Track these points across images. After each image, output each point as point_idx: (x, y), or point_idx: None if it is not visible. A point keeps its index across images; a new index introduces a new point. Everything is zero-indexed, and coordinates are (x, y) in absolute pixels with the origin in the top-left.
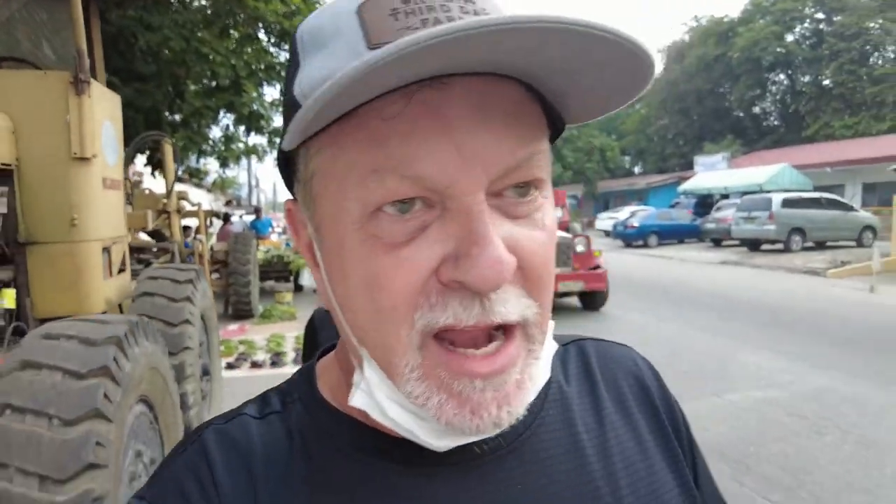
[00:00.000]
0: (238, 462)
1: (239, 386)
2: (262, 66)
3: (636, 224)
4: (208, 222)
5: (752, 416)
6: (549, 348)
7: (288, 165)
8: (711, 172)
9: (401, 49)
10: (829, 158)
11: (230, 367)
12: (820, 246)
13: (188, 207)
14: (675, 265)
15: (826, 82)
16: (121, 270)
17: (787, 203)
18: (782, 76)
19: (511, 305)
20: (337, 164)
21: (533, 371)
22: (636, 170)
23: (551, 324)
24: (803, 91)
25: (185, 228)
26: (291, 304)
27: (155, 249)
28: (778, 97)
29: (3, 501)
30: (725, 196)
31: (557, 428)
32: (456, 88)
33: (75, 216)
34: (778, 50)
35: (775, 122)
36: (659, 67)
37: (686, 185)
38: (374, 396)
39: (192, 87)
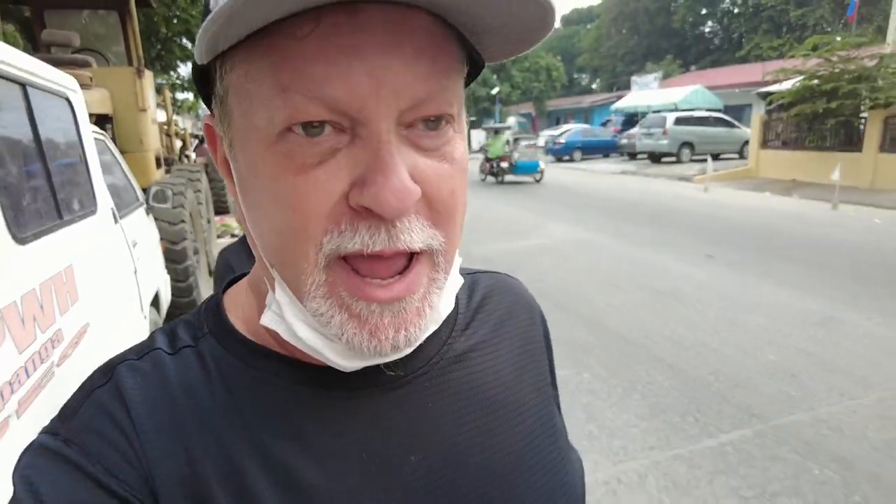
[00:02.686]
0: (155, 400)
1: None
2: None
3: (563, 141)
4: (190, 142)
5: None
6: (455, 281)
7: (204, 80)
8: (642, 92)
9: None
10: (738, 80)
11: (219, 236)
12: (715, 158)
13: (179, 131)
14: (585, 175)
15: (755, 3)
16: (158, 167)
17: (678, 121)
18: None
19: (416, 234)
20: (249, 82)
21: (434, 299)
22: (594, 86)
23: (458, 258)
24: (739, 13)
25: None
26: None
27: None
28: (717, 17)
29: None
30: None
31: (464, 352)
32: (368, 15)
33: (142, 139)
34: None
35: (717, 42)
36: None
37: (618, 104)
38: (285, 316)
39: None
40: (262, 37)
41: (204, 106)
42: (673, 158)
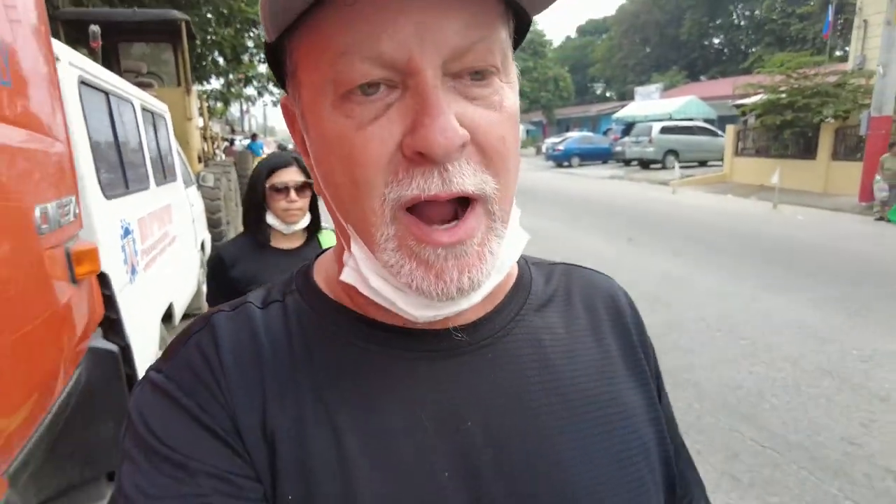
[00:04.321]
0: (243, 346)
1: None
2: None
3: (562, 147)
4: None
5: None
6: (516, 234)
7: (276, 62)
8: (642, 102)
9: None
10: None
11: None
12: (703, 164)
13: (212, 135)
14: (576, 179)
15: (761, 18)
16: (199, 161)
17: (664, 130)
18: (728, 11)
19: (468, 178)
20: (312, 51)
21: (494, 246)
22: (610, 94)
23: (517, 210)
24: (744, 26)
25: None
26: None
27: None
28: (724, 30)
29: None
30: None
31: (532, 332)
32: None
33: (188, 140)
34: None
35: (725, 54)
36: None
37: (618, 114)
38: (360, 270)
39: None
40: (319, 8)
41: (232, 112)
42: (660, 165)
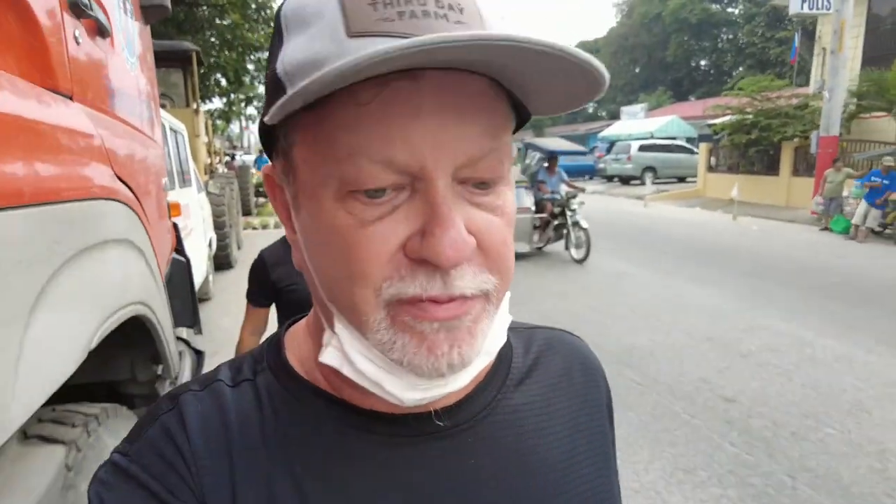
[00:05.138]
0: (212, 427)
1: (253, 235)
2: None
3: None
4: (222, 158)
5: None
6: (504, 316)
7: (268, 134)
8: (627, 121)
9: (376, 56)
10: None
11: (244, 228)
12: (681, 180)
13: (216, 149)
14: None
15: (743, 42)
16: (204, 174)
17: (642, 148)
18: (713, 35)
19: (468, 281)
20: (315, 143)
21: (485, 326)
22: (602, 114)
23: (507, 293)
24: (726, 49)
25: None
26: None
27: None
28: (707, 53)
29: None
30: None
31: (511, 412)
32: (428, 80)
33: (196, 155)
34: (704, 10)
35: (712, 74)
36: (613, 21)
37: (604, 133)
38: (345, 351)
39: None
40: (329, 98)
41: (232, 128)
42: (639, 181)
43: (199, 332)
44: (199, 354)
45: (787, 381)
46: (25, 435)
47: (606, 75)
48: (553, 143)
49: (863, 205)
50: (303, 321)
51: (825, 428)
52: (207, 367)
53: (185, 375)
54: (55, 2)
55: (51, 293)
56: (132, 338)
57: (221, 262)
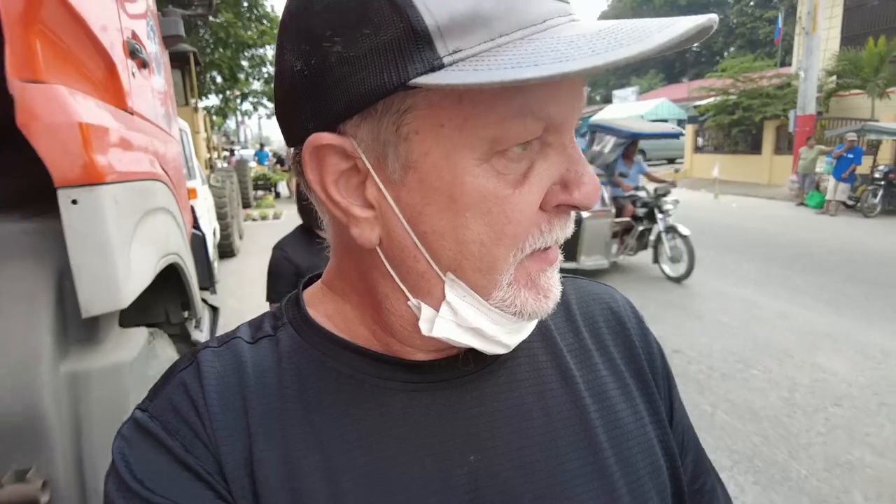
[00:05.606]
0: (229, 384)
1: (252, 226)
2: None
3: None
4: (220, 153)
5: None
6: None
7: (324, 91)
8: (618, 105)
9: (616, 63)
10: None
11: (244, 220)
12: (671, 161)
13: (214, 145)
14: None
15: (733, 23)
16: (205, 168)
17: None
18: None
19: (572, 220)
20: (466, 104)
21: None
22: (597, 97)
23: None
24: (716, 30)
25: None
26: (272, 202)
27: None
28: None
29: None
30: None
31: (532, 353)
32: None
33: (197, 150)
34: None
35: (703, 56)
36: (604, 4)
37: (595, 117)
38: (459, 317)
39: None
40: None
41: (228, 124)
42: None
43: (214, 292)
44: (214, 310)
45: (731, 336)
46: (121, 324)
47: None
48: (632, 123)
49: (832, 179)
50: (318, 283)
51: (751, 370)
52: None
53: (205, 323)
54: (122, 52)
55: (137, 235)
56: (165, 289)
57: (225, 250)
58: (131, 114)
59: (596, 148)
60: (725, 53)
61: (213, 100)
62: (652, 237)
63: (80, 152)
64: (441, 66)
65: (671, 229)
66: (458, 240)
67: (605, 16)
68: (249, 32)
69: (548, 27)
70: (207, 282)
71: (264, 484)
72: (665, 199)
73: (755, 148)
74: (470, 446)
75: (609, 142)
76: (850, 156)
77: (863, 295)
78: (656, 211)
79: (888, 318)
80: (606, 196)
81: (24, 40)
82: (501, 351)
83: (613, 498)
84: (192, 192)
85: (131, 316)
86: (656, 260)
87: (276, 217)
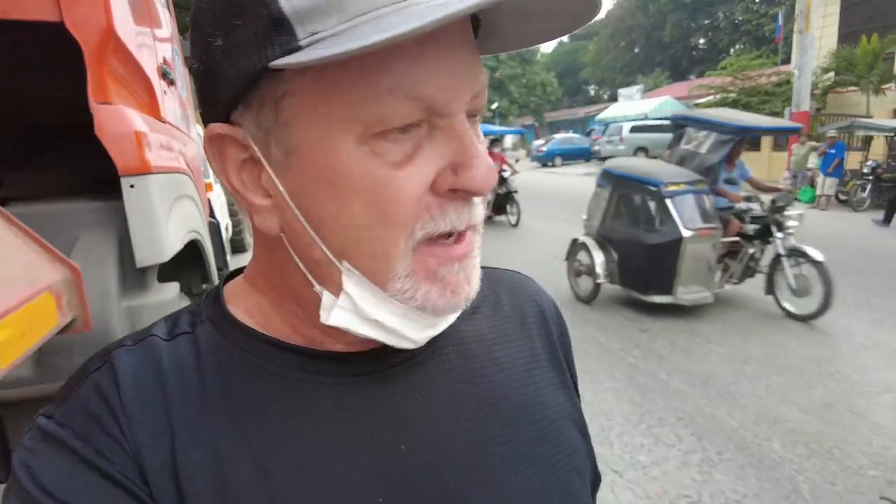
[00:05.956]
0: (146, 382)
1: None
2: None
3: (545, 149)
4: None
5: None
6: None
7: (214, 83)
8: (623, 103)
9: (453, 17)
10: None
11: None
12: None
13: None
14: (553, 177)
15: (738, 20)
16: None
17: (634, 129)
18: (708, 13)
19: (479, 208)
20: (335, 85)
21: (478, 260)
22: (605, 96)
23: None
24: (722, 27)
25: None
26: None
27: None
28: (703, 31)
29: None
30: None
31: (461, 343)
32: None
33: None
34: None
35: (709, 53)
36: (610, 3)
37: (600, 116)
38: (359, 308)
39: None
40: None
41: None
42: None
43: (227, 270)
44: None
45: (697, 318)
46: (158, 279)
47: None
48: (739, 115)
49: (821, 174)
50: (239, 277)
51: (709, 344)
52: None
53: None
54: (157, 75)
55: (171, 213)
56: (187, 266)
57: (236, 245)
58: (164, 122)
59: (687, 147)
60: (731, 50)
61: None
62: (764, 262)
63: (135, 151)
64: (298, 48)
65: (795, 251)
66: (345, 224)
67: (611, 15)
68: None
69: (409, 4)
70: (222, 262)
71: (190, 486)
72: (786, 212)
73: (754, 145)
74: (401, 436)
75: (707, 140)
76: (833, 151)
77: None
78: (774, 228)
79: (850, 302)
80: (709, 208)
81: (99, 76)
82: (408, 346)
83: (542, 478)
84: (208, 186)
85: (164, 280)
86: (771, 291)
87: None
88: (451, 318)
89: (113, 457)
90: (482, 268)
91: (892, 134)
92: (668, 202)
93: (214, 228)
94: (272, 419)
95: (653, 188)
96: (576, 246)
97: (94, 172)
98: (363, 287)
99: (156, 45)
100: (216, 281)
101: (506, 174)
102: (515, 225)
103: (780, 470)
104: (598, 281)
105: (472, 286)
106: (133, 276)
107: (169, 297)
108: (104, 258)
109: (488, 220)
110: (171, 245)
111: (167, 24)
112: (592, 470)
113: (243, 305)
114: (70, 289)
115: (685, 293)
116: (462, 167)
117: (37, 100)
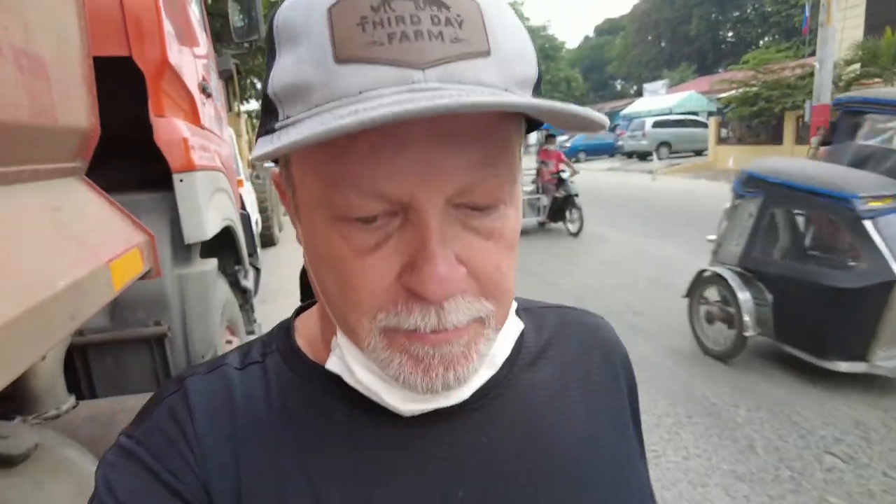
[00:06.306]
0: (218, 409)
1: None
2: None
3: (568, 144)
4: None
5: None
6: (511, 326)
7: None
8: (648, 98)
9: (372, 123)
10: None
11: (284, 214)
12: (698, 154)
13: None
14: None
15: (767, 11)
16: (248, 166)
17: (656, 124)
18: (736, 5)
19: (462, 314)
20: (309, 166)
21: (482, 348)
22: (632, 91)
23: (513, 303)
24: (750, 19)
25: None
26: None
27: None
28: (731, 24)
29: None
30: None
31: (522, 391)
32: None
33: (240, 151)
34: None
35: (737, 47)
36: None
37: (626, 110)
38: (346, 360)
39: None
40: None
41: None
42: (655, 156)
43: (257, 259)
44: (257, 271)
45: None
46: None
47: (603, 122)
48: None
49: None
50: (315, 306)
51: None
52: (260, 312)
53: (251, 277)
54: (198, 90)
55: (210, 203)
56: (221, 253)
57: (266, 239)
58: (203, 129)
59: (867, 143)
60: (760, 42)
61: (253, 104)
62: None
63: (182, 154)
64: (273, 130)
65: None
66: (324, 290)
67: (637, 9)
68: None
69: (363, 98)
70: (252, 249)
71: None
72: None
73: (776, 139)
74: (459, 482)
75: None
76: None
77: None
78: None
79: None
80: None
81: (157, 95)
82: (395, 411)
83: None
84: (239, 182)
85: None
86: None
87: None
88: (451, 399)
89: (184, 478)
90: (554, 306)
91: None
92: (869, 225)
93: (245, 219)
94: (334, 457)
95: (842, 204)
96: (703, 279)
97: (141, 173)
98: (351, 345)
99: (196, 63)
100: (247, 261)
101: (564, 174)
102: (576, 234)
103: (740, 430)
104: (747, 333)
105: (457, 375)
106: (181, 251)
107: (208, 268)
108: (160, 236)
109: (541, 226)
110: (211, 227)
111: (204, 42)
112: None
113: (307, 336)
114: (148, 248)
115: (886, 357)
116: (413, 267)
117: (104, 118)
